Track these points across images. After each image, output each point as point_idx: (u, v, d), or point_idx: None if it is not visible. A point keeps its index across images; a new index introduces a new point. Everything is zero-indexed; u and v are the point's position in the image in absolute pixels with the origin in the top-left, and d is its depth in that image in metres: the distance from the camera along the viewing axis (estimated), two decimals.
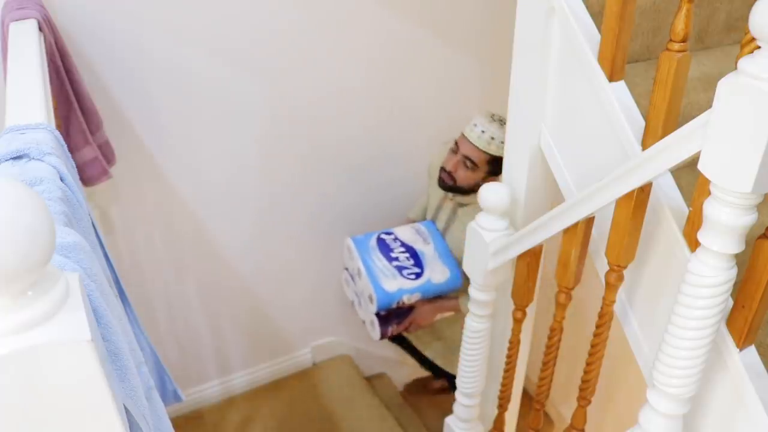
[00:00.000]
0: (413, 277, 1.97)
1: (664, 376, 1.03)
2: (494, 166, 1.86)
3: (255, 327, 2.42)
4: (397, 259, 1.99)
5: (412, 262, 1.99)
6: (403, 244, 2.03)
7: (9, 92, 1.02)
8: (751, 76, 0.79)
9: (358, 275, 2.02)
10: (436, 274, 1.99)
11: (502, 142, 1.74)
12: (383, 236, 2.06)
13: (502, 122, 1.85)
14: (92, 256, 0.69)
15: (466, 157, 1.88)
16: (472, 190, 1.88)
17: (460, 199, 2.01)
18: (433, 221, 2.13)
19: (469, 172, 1.90)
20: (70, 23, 1.63)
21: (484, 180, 1.89)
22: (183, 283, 2.21)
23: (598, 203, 1.18)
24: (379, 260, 1.99)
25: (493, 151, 1.85)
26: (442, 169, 1.95)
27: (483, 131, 1.84)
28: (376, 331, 2.09)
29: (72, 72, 1.52)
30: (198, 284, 2.23)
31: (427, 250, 2.02)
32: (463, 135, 1.90)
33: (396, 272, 1.97)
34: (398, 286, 1.96)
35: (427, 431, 2.55)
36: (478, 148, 1.85)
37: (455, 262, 2.01)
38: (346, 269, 2.14)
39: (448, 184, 1.94)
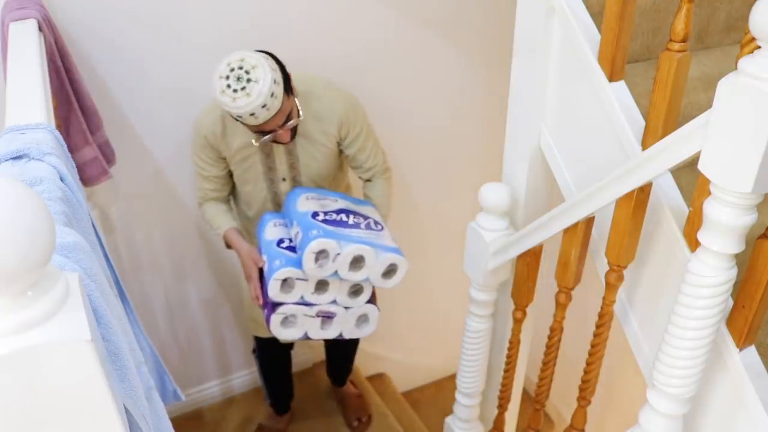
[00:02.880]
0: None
1: (664, 376, 1.03)
2: (288, 86, 1.51)
3: None
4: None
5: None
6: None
7: (9, 92, 1.02)
8: (751, 76, 0.79)
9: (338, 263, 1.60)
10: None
11: (274, 80, 1.43)
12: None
13: (246, 75, 1.41)
14: (92, 256, 0.69)
15: (283, 123, 1.53)
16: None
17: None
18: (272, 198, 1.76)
19: (293, 118, 1.57)
20: (70, 23, 1.63)
21: (292, 99, 1.56)
22: (183, 282, 2.21)
23: (598, 203, 1.18)
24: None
25: (280, 90, 1.46)
26: (260, 134, 1.56)
27: (262, 105, 1.43)
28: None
29: (72, 72, 1.52)
30: (198, 284, 2.23)
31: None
32: (238, 120, 1.51)
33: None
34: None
35: (427, 431, 2.55)
36: (268, 119, 1.47)
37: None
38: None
39: (291, 136, 1.62)
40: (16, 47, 1.24)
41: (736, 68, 0.82)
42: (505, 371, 1.74)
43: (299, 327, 1.69)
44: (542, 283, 1.57)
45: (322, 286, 1.65)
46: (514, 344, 1.68)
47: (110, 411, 0.48)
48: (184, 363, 2.37)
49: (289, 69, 1.55)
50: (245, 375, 2.53)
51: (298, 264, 1.58)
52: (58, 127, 1.10)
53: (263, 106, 1.43)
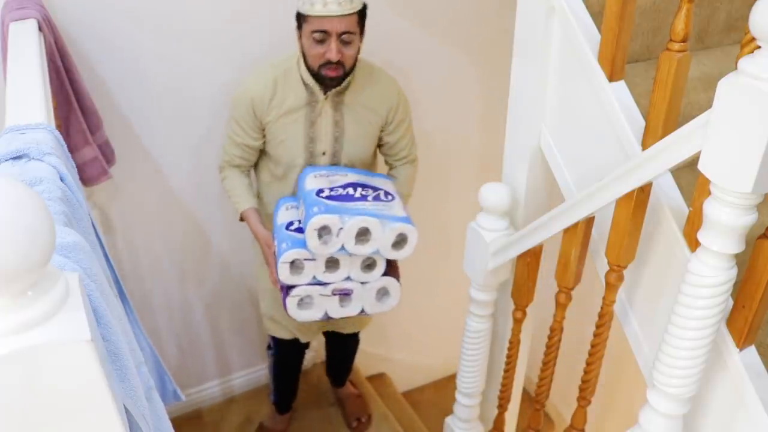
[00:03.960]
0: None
1: (664, 376, 1.03)
2: (363, 14, 1.57)
3: (255, 327, 2.42)
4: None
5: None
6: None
7: (9, 92, 1.02)
8: (751, 76, 0.79)
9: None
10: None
11: None
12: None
13: None
14: (92, 256, 0.69)
15: (343, 33, 1.51)
16: (354, 67, 1.62)
17: (335, 93, 1.64)
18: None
19: (353, 45, 1.56)
20: (70, 23, 1.63)
21: (361, 37, 1.59)
22: (183, 282, 2.21)
23: (598, 203, 1.18)
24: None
25: (358, 3, 1.53)
26: (325, 65, 1.55)
27: None
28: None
29: (72, 72, 1.52)
30: (198, 284, 2.23)
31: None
32: (314, 16, 1.50)
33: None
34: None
35: (427, 431, 2.55)
36: (347, 14, 1.50)
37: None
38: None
39: (340, 75, 1.57)
40: (16, 47, 1.24)
41: (736, 68, 0.82)
42: (505, 371, 1.74)
43: (317, 307, 1.67)
44: (542, 283, 1.57)
45: (332, 263, 1.63)
46: (514, 344, 1.68)
47: (110, 411, 0.48)
48: (184, 363, 2.37)
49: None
50: (245, 375, 2.53)
51: (304, 244, 1.56)
52: (58, 127, 1.10)
53: None
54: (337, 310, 1.69)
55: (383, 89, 1.71)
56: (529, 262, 1.51)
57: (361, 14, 1.56)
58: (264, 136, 1.71)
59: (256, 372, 2.54)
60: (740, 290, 0.98)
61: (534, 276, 1.54)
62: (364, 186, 1.66)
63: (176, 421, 0.98)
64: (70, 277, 0.49)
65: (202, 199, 2.06)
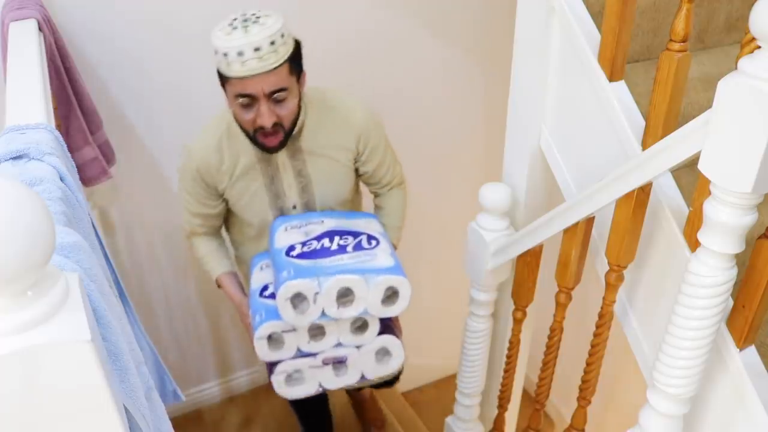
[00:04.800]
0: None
1: (665, 376, 1.03)
2: (295, 60, 1.33)
3: None
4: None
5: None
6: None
7: (9, 92, 1.02)
8: (751, 76, 0.79)
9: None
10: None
11: (282, 34, 1.26)
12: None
13: (255, 14, 1.27)
14: (92, 256, 0.69)
15: (273, 92, 1.29)
16: (297, 120, 1.39)
17: (289, 147, 1.43)
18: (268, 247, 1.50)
19: (288, 101, 1.32)
20: (70, 23, 1.63)
21: (299, 85, 1.37)
22: (183, 282, 2.21)
23: (598, 203, 1.18)
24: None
25: (285, 51, 1.28)
26: (258, 131, 1.34)
27: (256, 48, 1.23)
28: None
29: (72, 72, 1.52)
30: (198, 284, 2.23)
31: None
32: (235, 78, 1.27)
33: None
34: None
35: (427, 431, 2.55)
36: (273, 69, 1.26)
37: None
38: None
39: (281, 140, 1.36)
40: (16, 47, 1.24)
41: (736, 68, 0.82)
42: (505, 371, 1.74)
43: (309, 381, 1.44)
44: (542, 283, 1.57)
45: (317, 330, 1.41)
46: (514, 344, 1.68)
47: (110, 411, 0.48)
48: (184, 363, 2.37)
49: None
50: (245, 375, 2.53)
51: (279, 315, 1.34)
52: (58, 127, 1.10)
53: (256, 49, 1.23)
54: (332, 381, 1.47)
55: (344, 119, 1.47)
56: (529, 262, 1.51)
57: (294, 58, 1.31)
58: (224, 201, 1.52)
59: (256, 372, 2.54)
60: (740, 290, 0.98)
61: (534, 276, 1.54)
62: (342, 234, 1.44)
63: (176, 421, 0.98)
64: (70, 277, 0.49)
65: None
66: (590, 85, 1.24)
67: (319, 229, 1.44)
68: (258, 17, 1.27)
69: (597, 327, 1.32)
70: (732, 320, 1.02)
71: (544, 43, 1.33)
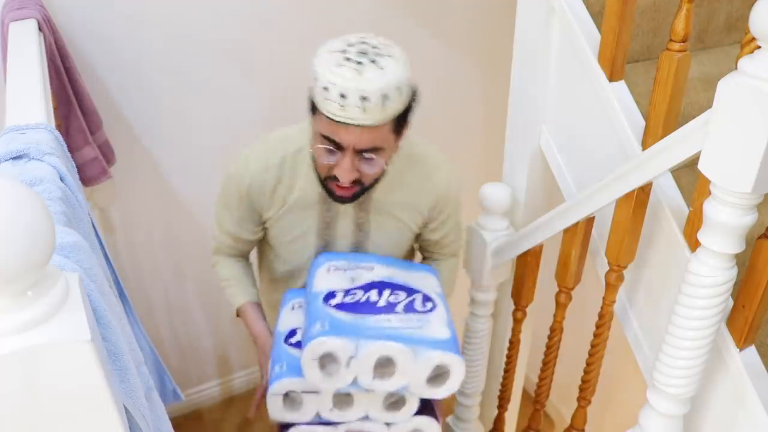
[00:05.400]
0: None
1: (665, 376, 1.03)
2: (404, 116, 1.10)
3: None
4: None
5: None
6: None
7: (9, 92, 1.02)
8: (751, 76, 0.79)
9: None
10: None
11: (400, 87, 1.02)
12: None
13: (376, 50, 1.02)
14: (92, 256, 0.69)
15: (365, 150, 1.07)
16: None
17: (362, 200, 1.23)
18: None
19: (378, 160, 1.10)
20: (70, 23, 1.63)
21: (398, 142, 1.14)
22: (183, 282, 2.21)
23: (598, 203, 1.18)
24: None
25: (396, 108, 1.05)
26: (332, 179, 1.14)
27: (364, 97, 0.99)
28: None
29: (72, 72, 1.52)
30: (198, 284, 2.23)
31: None
32: (325, 116, 1.04)
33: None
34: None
35: None
36: (371, 126, 1.03)
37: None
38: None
39: (353, 194, 1.16)
40: (16, 47, 1.24)
41: (736, 68, 0.82)
42: (505, 371, 1.74)
43: None
44: (542, 283, 1.57)
45: (343, 398, 1.18)
46: (514, 344, 1.68)
47: (110, 411, 0.48)
48: (184, 363, 2.37)
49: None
50: (245, 375, 2.53)
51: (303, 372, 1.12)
52: (58, 127, 1.10)
53: (364, 99, 0.99)
54: None
55: (426, 178, 1.27)
56: (529, 262, 1.51)
57: (403, 115, 1.08)
58: (264, 229, 1.33)
59: (256, 372, 2.53)
60: (740, 290, 0.98)
61: (534, 276, 1.54)
62: (394, 287, 1.20)
63: (176, 421, 0.98)
64: (70, 277, 0.49)
65: (202, 199, 2.06)
66: (590, 85, 1.24)
67: (367, 277, 1.22)
68: (379, 53, 1.01)
69: (597, 327, 1.32)
70: (732, 320, 1.02)
71: (544, 43, 1.33)
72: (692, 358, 0.99)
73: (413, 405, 1.19)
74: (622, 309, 1.30)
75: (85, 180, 1.60)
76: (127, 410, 0.62)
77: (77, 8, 1.62)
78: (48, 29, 1.38)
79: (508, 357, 1.71)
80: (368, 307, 1.14)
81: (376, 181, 1.18)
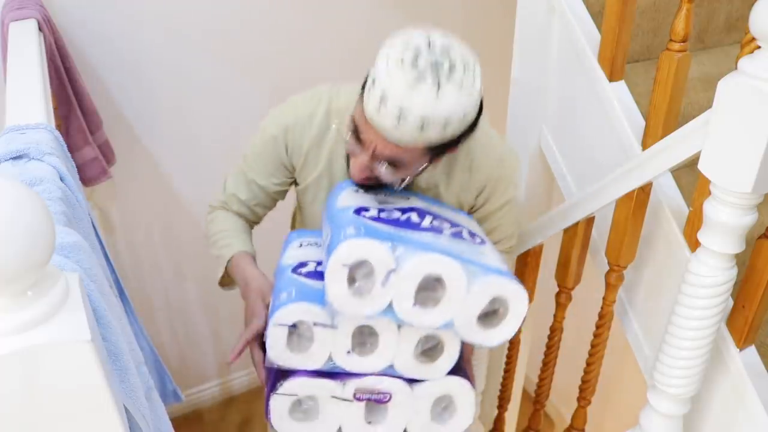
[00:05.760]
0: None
1: (665, 376, 1.03)
2: (440, 149, 0.94)
3: None
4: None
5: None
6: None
7: (9, 92, 1.02)
8: (751, 76, 0.79)
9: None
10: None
11: (466, 113, 0.89)
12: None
13: (449, 66, 0.86)
14: (92, 256, 0.69)
15: (388, 159, 0.94)
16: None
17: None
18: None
19: (400, 172, 0.98)
20: (70, 23, 1.63)
21: (428, 164, 0.99)
22: (183, 282, 2.21)
23: (598, 203, 1.18)
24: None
25: (444, 136, 0.90)
26: (348, 161, 1.04)
27: (400, 110, 0.85)
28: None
29: (72, 72, 1.52)
30: (198, 284, 2.23)
31: None
32: (363, 111, 0.91)
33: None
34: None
35: None
36: (398, 145, 0.90)
37: None
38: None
39: (371, 185, 1.02)
40: (16, 47, 1.24)
41: (736, 68, 0.82)
42: (505, 371, 1.74)
43: (323, 420, 0.96)
44: (542, 283, 1.57)
45: (365, 337, 0.93)
46: (514, 344, 1.68)
47: (110, 411, 0.48)
48: (184, 363, 2.37)
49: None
50: (245, 375, 2.53)
51: (319, 298, 0.90)
52: (58, 127, 1.10)
53: (422, 124, 0.86)
54: (358, 429, 0.98)
55: (478, 161, 1.10)
56: (529, 262, 1.51)
57: (447, 144, 0.92)
58: (290, 183, 1.19)
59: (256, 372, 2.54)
60: (740, 290, 0.98)
61: (534, 276, 1.54)
62: (437, 217, 0.99)
63: (176, 421, 0.97)
64: (70, 277, 0.49)
65: (202, 199, 2.06)
66: (590, 85, 1.24)
67: (403, 203, 1.01)
68: (454, 65, 0.86)
69: (597, 327, 1.32)
70: (732, 320, 1.02)
71: (544, 43, 1.33)
72: (692, 358, 0.99)
73: (451, 356, 0.94)
74: (622, 309, 1.30)
75: (85, 180, 1.60)
76: (127, 410, 0.62)
77: (77, 8, 1.62)
78: (48, 29, 1.38)
79: (508, 357, 1.70)
80: (410, 225, 0.92)
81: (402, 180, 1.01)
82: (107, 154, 1.72)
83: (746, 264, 0.96)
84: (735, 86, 0.81)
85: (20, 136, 0.83)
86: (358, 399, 0.95)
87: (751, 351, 1.03)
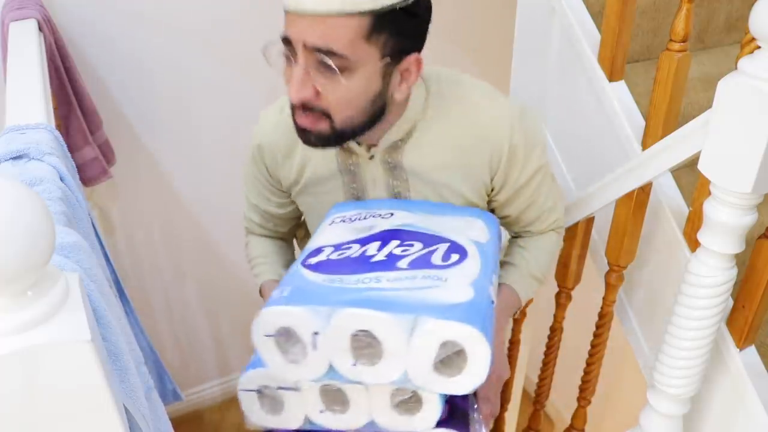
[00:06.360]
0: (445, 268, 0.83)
1: (665, 376, 1.03)
2: (392, 22, 0.81)
3: None
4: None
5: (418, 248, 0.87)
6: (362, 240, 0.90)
7: (9, 92, 1.02)
8: (751, 76, 0.79)
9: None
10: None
11: None
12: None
13: None
14: (92, 256, 0.69)
15: (318, 49, 0.80)
16: (374, 119, 0.88)
17: (387, 148, 0.95)
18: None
19: (347, 80, 0.82)
20: (70, 23, 1.63)
21: (375, 61, 0.82)
22: (183, 282, 2.21)
23: (598, 203, 1.18)
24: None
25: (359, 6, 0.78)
26: (294, 111, 0.89)
27: None
28: None
29: (72, 72, 1.52)
30: (198, 284, 2.23)
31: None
32: (287, 13, 0.86)
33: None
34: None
35: None
36: (323, 15, 0.79)
37: None
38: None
39: (318, 132, 0.87)
40: (16, 47, 1.24)
41: (736, 68, 0.82)
42: None
43: None
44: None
45: (334, 396, 0.85)
46: (514, 344, 1.68)
47: (110, 411, 0.48)
48: (184, 363, 2.37)
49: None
50: None
51: (320, 299, 0.81)
52: (58, 127, 1.10)
53: None
54: None
55: (478, 130, 0.93)
56: None
57: (389, 18, 0.80)
58: (292, 202, 1.12)
59: None
60: (740, 290, 0.98)
61: None
62: (408, 237, 0.88)
63: (176, 421, 0.97)
64: (70, 277, 0.49)
65: (202, 199, 2.06)
66: (590, 85, 1.24)
67: (381, 226, 0.91)
68: None
69: (597, 327, 1.32)
70: (732, 320, 1.02)
71: (544, 43, 1.33)
72: (692, 358, 0.99)
73: (435, 407, 0.81)
74: (622, 309, 1.30)
75: (85, 180, 1.60)
76: (127, 410, 0.62)
77: (77, 8, 1.63)
78: (48, 29, 1.38)
79: (509, 357, 1.70)
80: (356, 265, 0.83)
81: (368, 122, 0.87)
82: (107, 154, 1.72)
83: (746, 264, 0.96)
84: (735, 86, 0.81)
85: (20, 136, 0.83)
86: None
87: (751, 351, 1.03)
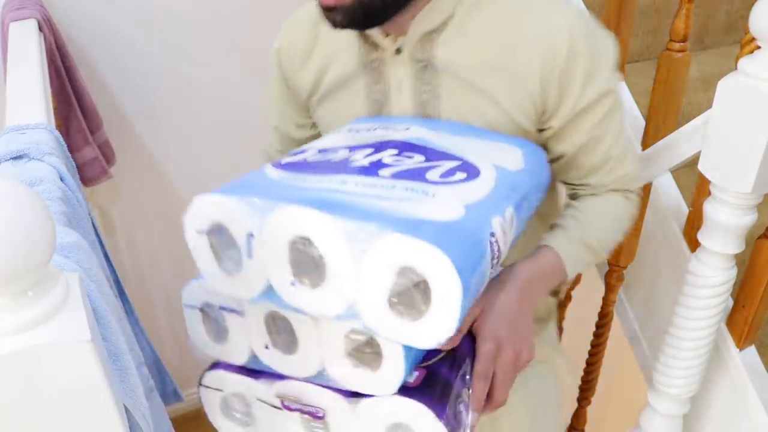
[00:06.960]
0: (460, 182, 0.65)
1: (665, 376, 1.03)
2: None
3: None
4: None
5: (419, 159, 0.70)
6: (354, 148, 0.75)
7: (9, 92, 1.02)
8: (751, 76, 0.79)
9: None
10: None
11: None
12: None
13: None
14: (92, 256, 0.69)
15: None
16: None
17: (419, 40, 0.80)
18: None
19: None
20: (70, 23, 1.63)
21: None
22: (183, 282, 2.20)
23: None
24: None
25: None
26: None
27: None
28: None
29: (72, 72, 1.52)
30: None
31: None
32: None
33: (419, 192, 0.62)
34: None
35: None
36: None
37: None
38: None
39: (345, 6, 0.74)
40: (16, 47, 1.24)
41: (736, 68, 0.82)
42: None
43: (257, 426, 0.78)
44: None
45: (279, 330, 0.68)
46: None
47: (110, 411, 0.48)
48: (184, 363, 2.37)
49: None
50: None
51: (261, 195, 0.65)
52: (58, 127, 1.10)
53: None
54: None
55: (531, 26, 0.76)
56: None
57: None
58: (313, 126, 1.01)
59: None
60: (740, 290, 0.98)
61: None
62: (410, 149, 0.72)
63: (176, 421, 0.98)
64: (70, 277, 0.49)
65: None
66: None
67: (388, 137, 0.76)
68: None
69: (597, 327, 1.32)
70: (732, 320, 1.02)
71: None
72: (692, 358, 0.99)
73: (398, 364, 0.59)
74: (622, 309, 1.30)
75: (85, 180, 1.61)
76: (127, 410, 0.62)
77: (77, 8, 1.63)
78: (48, 29, 1.38)
79: None
80: (329, 167, 0.68)
81: (399, 3, 0.75)
82: (107, 154, 1.72)
83: (746, 264, 0.96)
84: (735, 86, 0.81)
85: (20, 136, 0.83)
86: (288, 408, 0.71)
87: (751, 351, 1.03)
